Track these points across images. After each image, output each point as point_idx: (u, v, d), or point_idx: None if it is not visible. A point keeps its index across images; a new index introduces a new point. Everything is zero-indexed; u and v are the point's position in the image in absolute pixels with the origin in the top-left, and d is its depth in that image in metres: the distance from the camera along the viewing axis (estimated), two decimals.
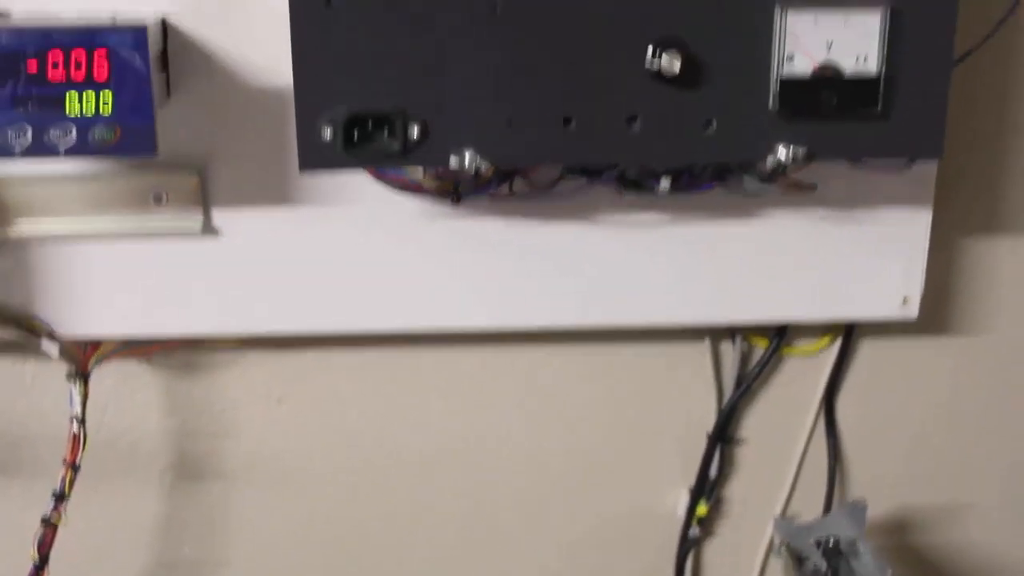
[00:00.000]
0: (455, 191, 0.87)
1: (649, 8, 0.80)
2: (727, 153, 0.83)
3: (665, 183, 0.87)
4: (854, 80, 0.82)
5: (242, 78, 0.88)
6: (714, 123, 0.82)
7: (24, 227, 0.91)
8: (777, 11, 0.81)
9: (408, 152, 0.81)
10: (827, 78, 0.81)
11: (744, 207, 0.93)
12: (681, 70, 0.80)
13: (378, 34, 0.79)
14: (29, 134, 0.80)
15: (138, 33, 0.80)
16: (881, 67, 0.81)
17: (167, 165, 0.89)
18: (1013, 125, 0.98)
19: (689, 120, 0.82)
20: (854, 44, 0.81)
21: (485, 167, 0.81)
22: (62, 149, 0.81)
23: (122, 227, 0.92)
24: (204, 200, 0.92)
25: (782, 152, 0.82)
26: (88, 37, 0.79)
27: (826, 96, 0.82)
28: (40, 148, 0.80)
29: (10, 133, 0.80)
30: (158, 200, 0.91)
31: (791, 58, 0.81)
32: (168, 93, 0.89)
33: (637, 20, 0.80)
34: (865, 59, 0.82)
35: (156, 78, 0.82)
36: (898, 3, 0.81)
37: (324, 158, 0.81)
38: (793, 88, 0.82)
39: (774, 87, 0.82)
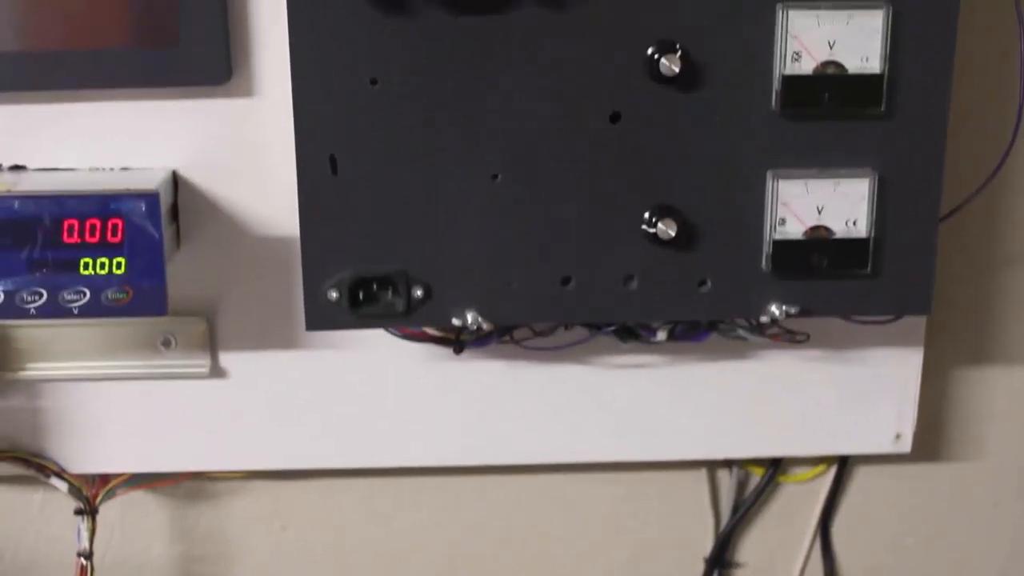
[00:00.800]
0: (458, 341, 0.89)
1: (645, 175, 0.82)
2: (721, 311, 0.86)
3: (662, 334, 0.89)
4: (844, 241, 0.84)
5: (250, 228, 0.91)
6: (709, 282, 0.85)
7: (35, 371, 0.93)
8: (769, 176, 0.83)
9: (411, 312, 0.83)
10: (819, 239, 0.84)
11: (739, 349, 0.95)
12: (677, 234, 0.82)
13: (383, 200, 0.82)
14: (44, 296, 0.83)
15: (151, 199, 0.82)
16: (871, 230, 0.84)
17: (176, 312, 0.92)
18: (1004, 258, 1.01)
19: (684, 279, 0.85)
20: (844, 207, 0.84)
21: (487, 325, 0.83)
22: (75, 310, 0.83)
23: (131, 370, 0.94)
24: (212, 344, 0.94)
25: (775, 310, 0.85)
26: (103, 204, 0.82)
27: (817, 258, 0.84)
28: (54, 310, 0.83)
29: (25, 296, 0.82)
30: (167, 344, 0.94)
31: (783, 222, 0.84)
32: (178, 244, 0.91)
33: (634, 186, 0.83)
34: (855, 222, 0.84)
35: (167, 230, 0.84)
36: (885, 169, 0.83)
37: (330, 319, 0.83)
38: (785, 249, 0.84)
39: (767, 248, 0.84)
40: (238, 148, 0.90)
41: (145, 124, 0.89)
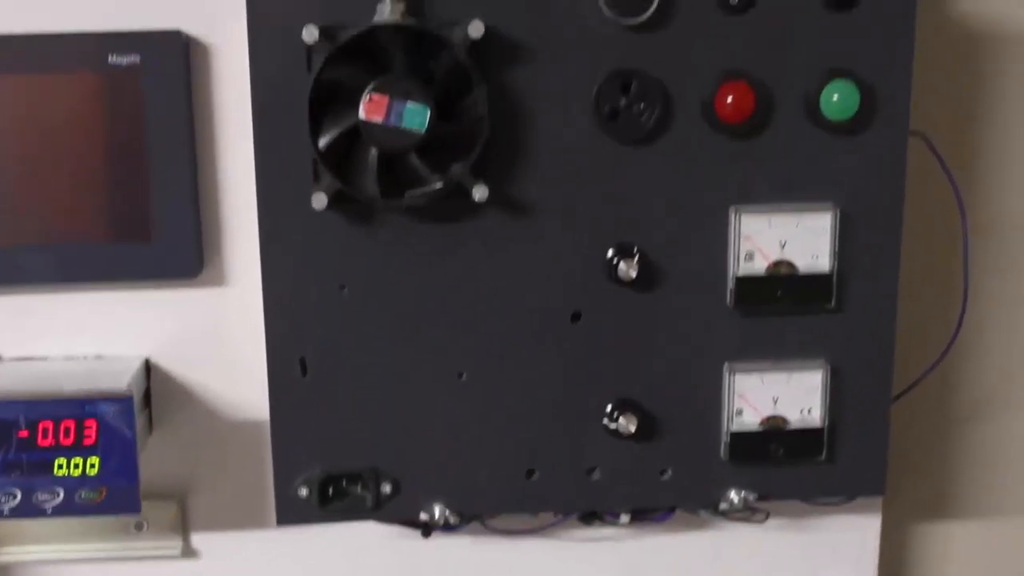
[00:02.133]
0: (425, 527, 0.91)
1: (606, 371, 0.85)
2: (682, 499, 0.88)
3: (625, 518, 0.91)
4: (800, 431, 0.87)
5: (221, 412, 0.93)
6: (669, 471, 0.88)
7: (10, 555, 0.95)
8: (725, 369, 0.86)
9: (380, 507, 0.86)
10: (775, 429, 0.87)
11: (699, 522, 0.98)
12: (637, 428, 0.85)
13: (352, 399, 0.84)
14: (18, 497, 0.84)
15: (124, 403, 0.84)
16: (825, 418, 0.87)
17: (148, 494, 0.93)
18: (956, 416, 1.04)
19: (645, 469, 0.87)
20: (798, 397, 0.87)
21: (454, 519, 0.85)
22: (49, 509, 0.84)
23: (104, 553, 0.95)
24: (184, 526, 0.95)
25: (734, 496, 0.87)
26: (77, 407, 0.84)
27: (774, 447, 0.87)
28: (28, 510, 0.84)
29: (0, 497, 0.84)
30: (139, 528, 0.95)
31: (740, 412, 0.87)
32: (151, 429, 0.93)
33: (595, 382, 0.85)
34: (809, 411, 0.87)
35: (139, 417, 0.86)
36: (837, 360, 0.87)
37: (300, 514, 0.85)
38: (742, 440, 0.87)
39: (725, 439, 0.87)
40: (209, 335, 0.92)
41: (119, 314, 0.91)
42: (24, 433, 0.84)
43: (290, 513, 0.85)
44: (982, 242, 0.98)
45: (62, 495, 0.85)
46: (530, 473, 0.87)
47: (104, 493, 0.85)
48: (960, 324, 0.95)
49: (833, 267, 0.85)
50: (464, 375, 0.85)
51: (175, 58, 0.87)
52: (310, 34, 0.77)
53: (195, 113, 0.88)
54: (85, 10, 0.86)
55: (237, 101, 0.87)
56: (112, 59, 0.87)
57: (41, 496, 0.84)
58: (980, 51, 0.97)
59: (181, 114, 0.88)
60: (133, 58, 0.87)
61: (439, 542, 0.97)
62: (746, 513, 0.94)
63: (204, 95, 0.89)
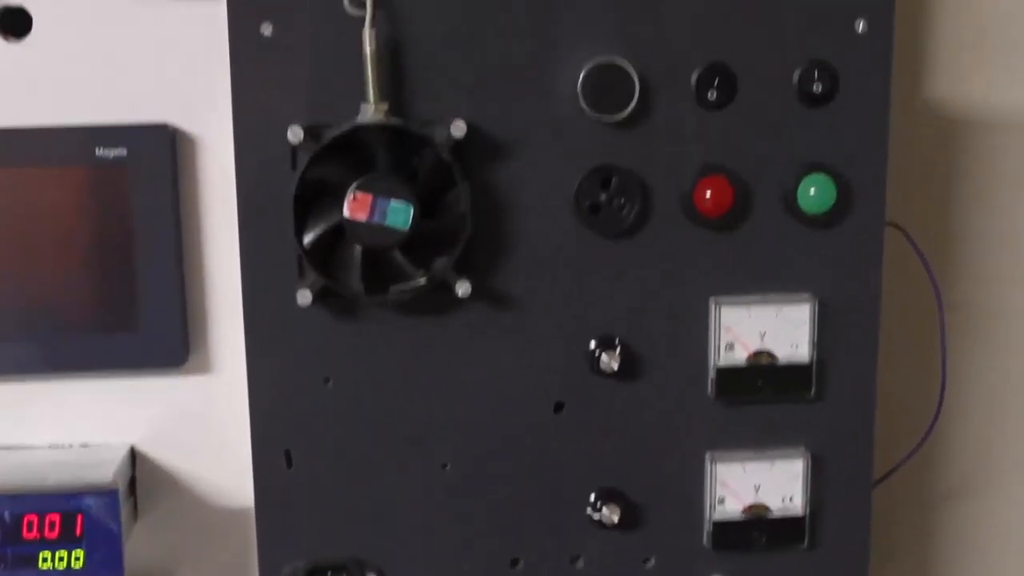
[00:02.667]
0: None
1: (589, 460, 0.86)
2: None
3: None
4: (781, 519, 0.88)
5: (206, 499, 0.93)
6: (653, 560, 0.88)
7: None
8: (707, 458, 0.87)
9: None
10: (757, 518, 0.87)
11: None
12: (620, 518, 0.85)
13: (337, 491, 0.85)
14: None
15: (110, 496, 0.85)
16: (806, 507, 0.88)
17: None
18: (938, 498, 1.05)
19: (629, 557, 0.88)
20: (779, 485, 0.88)
21: None
22: None
23: None
24: None
25: None
26: (63, 501, 0.84)
27: (756, 535, 0.88)
28: None
29: None
30: None
31: (722, 500, 0.88)
32: (136, 516, 0.93)
33: (578, 472, 0.86)
34: (791, 498, 0.88)
35: (124, 506, 0.86)
36: (817, 448, 0.88)
37: None
38: (725, 528, 0.88)
39: (708, 527, 0.88)
40: (194, 422, 0.92)
41: (105, 402, 0.92)
42: (9, 528, 0.84)
43: None
44: (959, 325, 0.99)
45: None
46: (514, 562, 0.87)
47: None
48: (940, 408, 0.96)
49: (812, 357, 0.86)
50: (448, 465, 0.86)
51: (162, 150, 0.88)
52: (295, 134, 0.78)
53: (181, 204, 0.89)
54: (74, 103, 0.87)
55: (224, 191, 0.88)
56: (100, 152, 0.88)
57: None
58: (954, 137, 0.99)
59: (167, 205, 0.89)
60: (120, 151, 0.88)
61: None
62: None
63: (191, 186, 0.90)
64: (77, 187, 0.88)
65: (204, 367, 0.92)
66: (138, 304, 0.89)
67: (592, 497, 0.87)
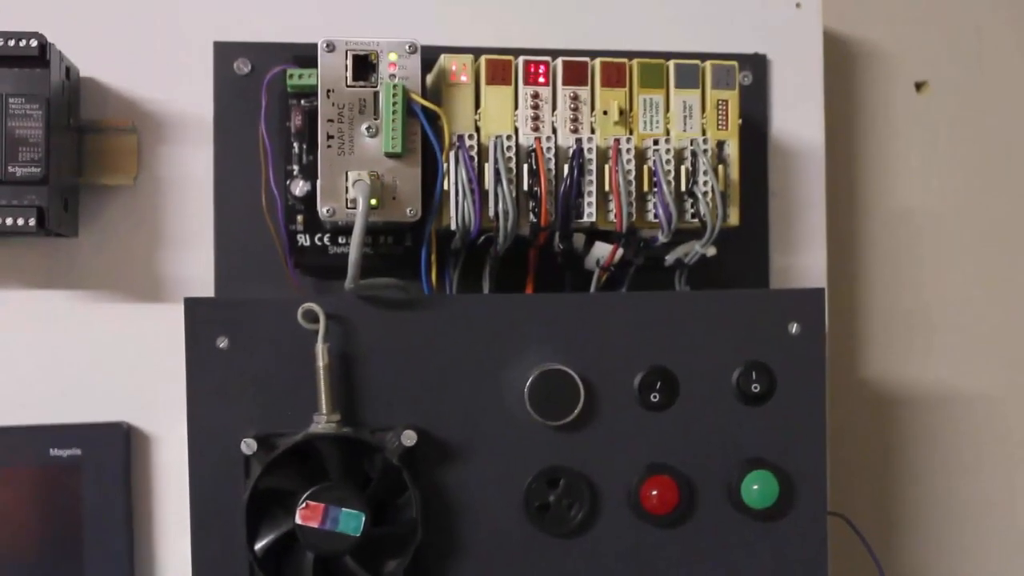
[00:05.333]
0: None
1: None
2: None
3: None
4: None
5: None
6: None
7: None
8: None
9: None
10: None
11: None
12: None
13: None
14: None
15: None
16: None
17: None
18: None
19: None
20: None
21: None
22: None
23: None
24: None
25: None
26: None
27: None
28: None
29: None
30: None
31: None
32: None
33: None
34: None
35: None
36: None
37: None
38: None
39: None
40: None
41: None
42: None
43: None
44: None
45: None
46: None
47: None
48: None
49: None
50: None
51: (116, 449, 0.90)
52: (248, 447, 0.80)
53: (134, 502, 0.90)
54: (30, 403, 0.89)
55: (178, 490, 0.89)
56: (53, 452, 0.89)
57: None
58: (891, 413, 1.03)
59: (119, 504, 0.90)
60: (74, 451, 0.89)
61: None
62: None
63: (144, 484, 0.91)
64: (28, 487, 0.89)
65: None
66: None
67: None
